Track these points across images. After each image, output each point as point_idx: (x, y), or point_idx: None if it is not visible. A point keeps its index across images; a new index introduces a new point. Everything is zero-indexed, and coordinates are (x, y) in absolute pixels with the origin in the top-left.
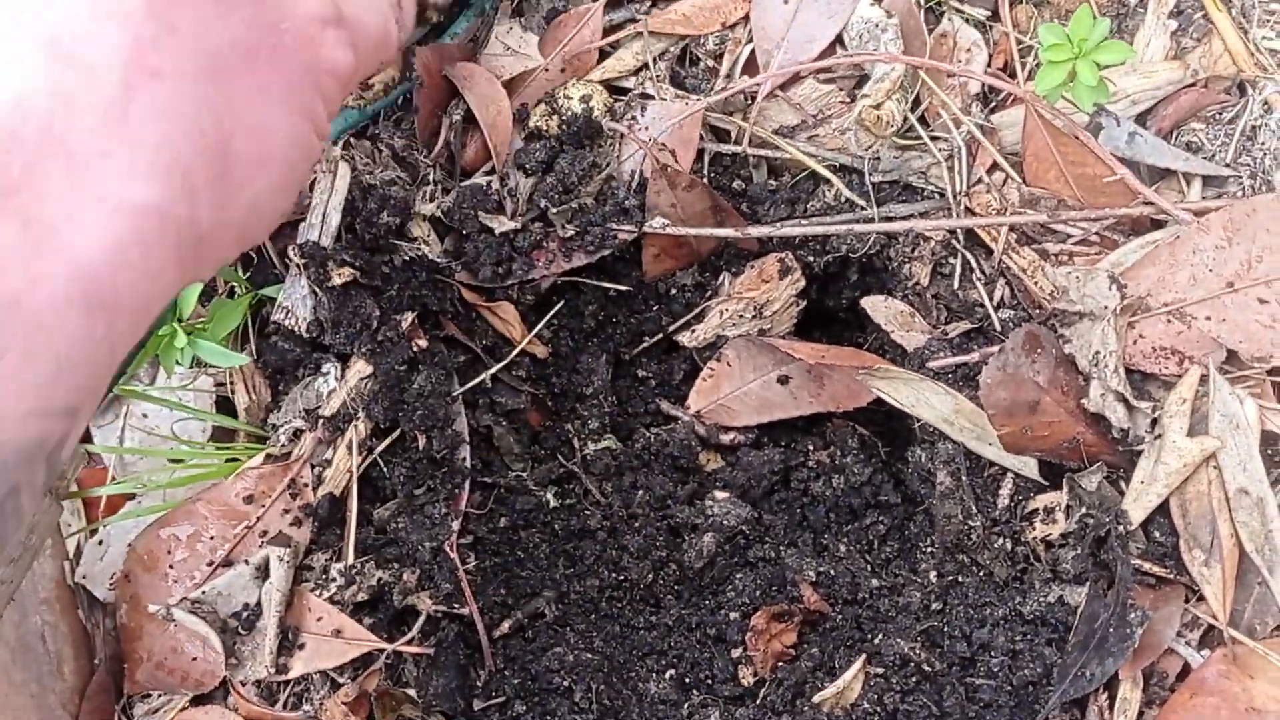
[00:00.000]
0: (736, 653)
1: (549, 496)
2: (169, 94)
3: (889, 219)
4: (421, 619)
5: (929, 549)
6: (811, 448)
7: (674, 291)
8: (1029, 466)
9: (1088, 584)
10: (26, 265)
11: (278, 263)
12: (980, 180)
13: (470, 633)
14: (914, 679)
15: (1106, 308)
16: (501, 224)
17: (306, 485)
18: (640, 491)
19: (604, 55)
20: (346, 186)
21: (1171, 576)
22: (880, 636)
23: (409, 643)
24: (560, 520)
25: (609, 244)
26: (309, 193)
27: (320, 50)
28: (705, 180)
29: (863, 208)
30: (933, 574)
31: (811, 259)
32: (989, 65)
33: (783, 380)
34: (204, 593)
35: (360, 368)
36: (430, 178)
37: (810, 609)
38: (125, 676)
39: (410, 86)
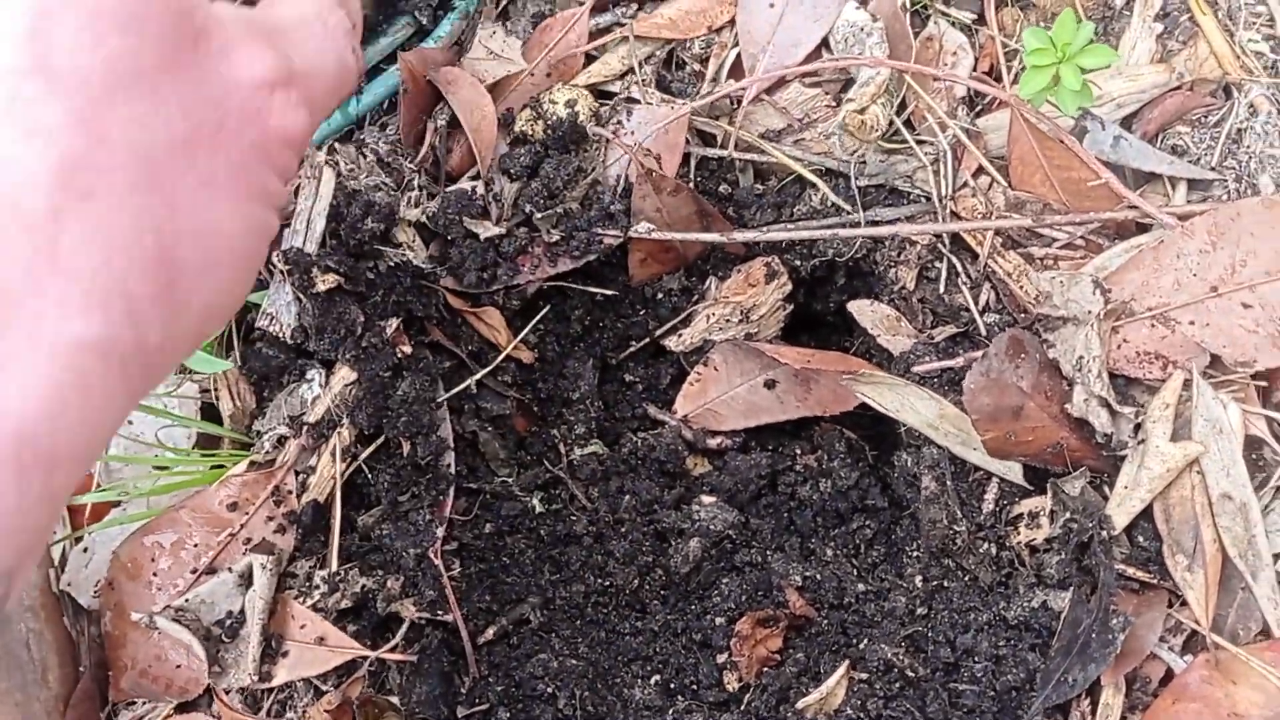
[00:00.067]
0: (722, 658)
1: (535, 502)
2: (102, 214)
3: (875, 223)
4: (405, 626)
5: (915, 553)
6: (799, 452)
7: (660, 296)
8: (1014, 471)
9: (1071, 589)
10: None
11: (262, 269)
12: (966, 184)
13: (454, 639)
14: (898, 684)
15: (1090, 312)
16: (486, 229)
17: (290, 492)
18: (627, 496)
19: (590, 59)
20: (331, 192)
21: (1155, 582)
22: (865, 642)
23: (392, 650)
24: (546, 526)
25: (594, 249)
26: (294, 199)
27: (269, 121)
28: (691, 184)
29: (849, 212)
30: (918, 579)
31: (798, 263)
32: (975, 69)
33: (769, 385)
34: (187, 600)
35: (345, 374)
36: (415, 183)
37: (796, 614)
38: (110, 684)
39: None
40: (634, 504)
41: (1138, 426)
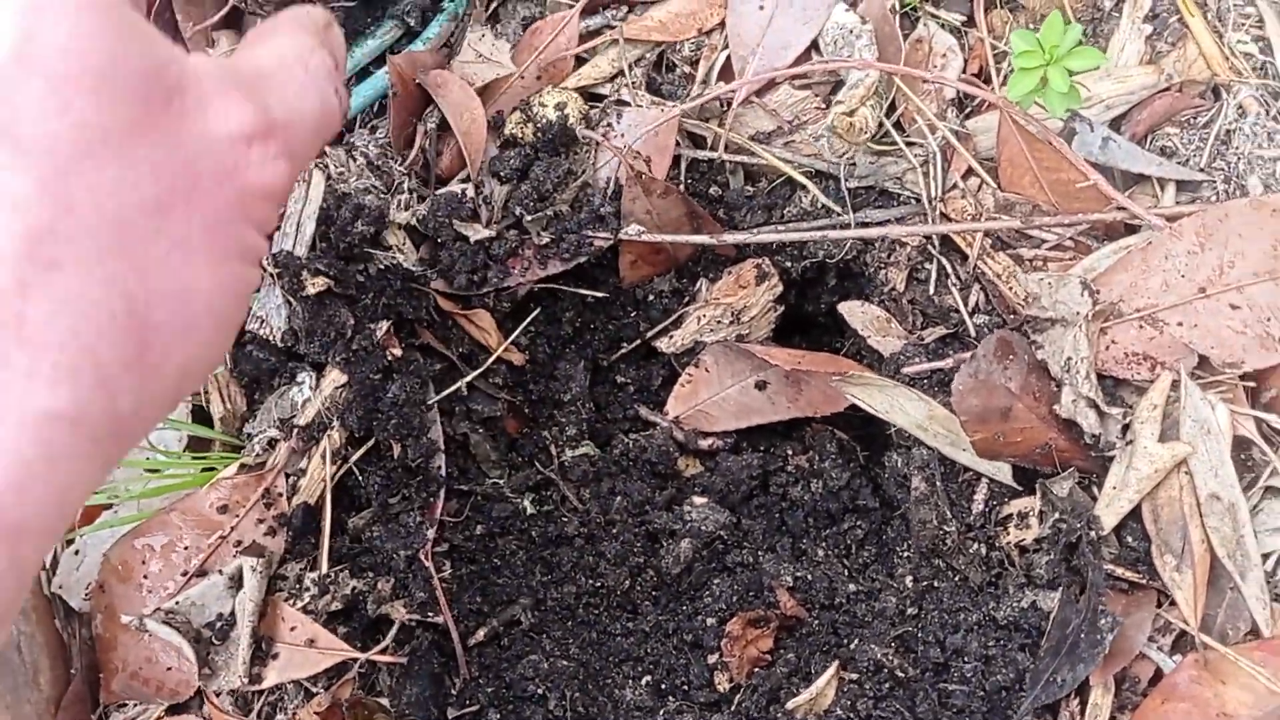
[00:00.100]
0: (713, 659)
1: (526, 503)
2: (70, 283)
3: (864, 225)
4: (395, 628)
5: (905, 554)
6: (790, 453)
7: (652, 298)
8: (1003, 472)
9: (1060, 589)
10: None
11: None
12: (955, 186)
13: (445, 641)
14: (887, 685)
15: (1078, 313)
16: (477, 232)
17: (281, 495)
18: (618, 498)
19: (580, 62)
20: (320, 195)
21: (1144, 582)
22: (856, 642)
23: (382, 652)
24: (537, 527)
25: (585, 251)
26: (283, 202)
27: (246, 176)
28: (682, 186)
29: (838, 214)
30: (909, 579)
31: (789, 264)
32: (964, 71)
33: (760, 385)
34: (178, 603)
35: (335, 377)
36: (405, 186)
37: (787, 614)
38: (101, 686)
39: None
40: (625, 505)
41: (1126, 427)
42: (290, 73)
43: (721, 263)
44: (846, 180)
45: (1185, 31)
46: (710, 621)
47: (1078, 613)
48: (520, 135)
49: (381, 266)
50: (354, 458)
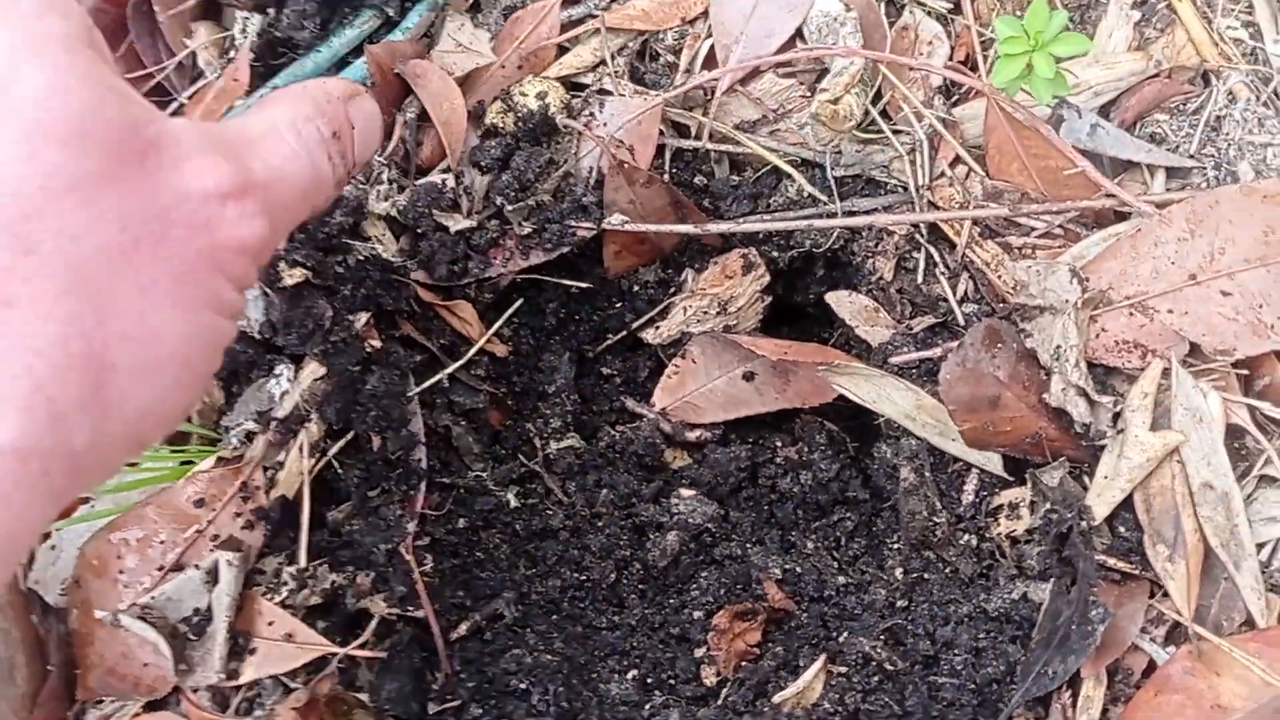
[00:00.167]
0: (700, 652)
1: (510, 496)
2: (25, 320)
3: (851, 214)
4: (375, 622)
5: (895, 545)
6: (779, 444)
7: (637, 288)
8: (993, 462)
9: (1052, 580)
10: None
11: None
12: (943, 174)
13: (426, 636)
14: (876, 678)
15: (1067, 301)
16: (457, 222)
17: (259, 488)
18: (604, 490)
19: (561, 51)
20: None
21: (1136, 572)
22: (845, 635)
23: (361, 646)
24: (521, 520)
25: (567, 241)
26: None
27: (219, 231)
28: (667, 176)
29: (825, 202)
30: (899, 571)
31: (776, 254)
32: (950, 58)
33: (748, 377)
34: (153, 598)
35: (313, 369)
36: (384, 176)
37: (775, 607)
38: (78, 682)
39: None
40: (611, 497)
41: (1117, 416)
42: (279, 138)
43: (707, 253)
44: (832, 169)
45: (1174, 17)
46: (697, 615)
47: (1069, 604)
48: (501, 125)
49: (361, 257)
50: (333, 450)
